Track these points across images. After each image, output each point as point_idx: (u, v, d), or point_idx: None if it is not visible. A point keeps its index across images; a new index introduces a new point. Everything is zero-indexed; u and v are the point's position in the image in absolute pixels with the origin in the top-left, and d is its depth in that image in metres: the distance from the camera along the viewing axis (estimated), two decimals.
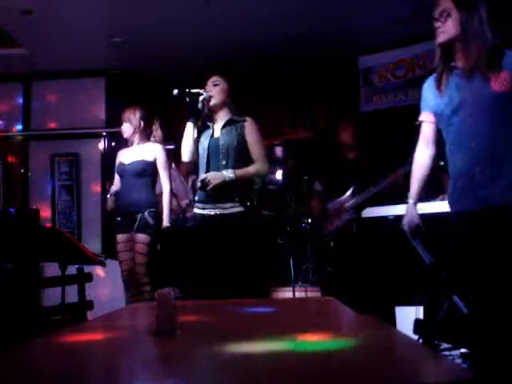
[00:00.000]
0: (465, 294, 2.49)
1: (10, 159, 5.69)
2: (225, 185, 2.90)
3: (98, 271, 4.60)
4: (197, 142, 3.06)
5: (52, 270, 2.72)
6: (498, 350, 1.21)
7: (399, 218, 2.47)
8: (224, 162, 2.95)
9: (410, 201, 2.37)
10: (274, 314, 1.88)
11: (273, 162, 5.34)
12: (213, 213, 2.95)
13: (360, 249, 3.79)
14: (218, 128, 3.05)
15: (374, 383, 0.95)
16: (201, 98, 2.99)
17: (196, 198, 3.12)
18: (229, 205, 2.94)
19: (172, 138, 4.10)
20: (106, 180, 5.22)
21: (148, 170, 3.82)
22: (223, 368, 1.07)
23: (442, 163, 2.38)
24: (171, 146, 4.33)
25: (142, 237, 3.72)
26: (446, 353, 2.50)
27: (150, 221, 3.73)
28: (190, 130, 3.05)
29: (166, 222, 3.72)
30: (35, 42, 4.94)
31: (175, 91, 2.95)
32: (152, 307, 1.47)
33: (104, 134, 5.62)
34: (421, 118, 2.33)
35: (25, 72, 5.60)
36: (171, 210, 3.85)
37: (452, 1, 2.08)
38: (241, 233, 2.94)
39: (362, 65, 5.46)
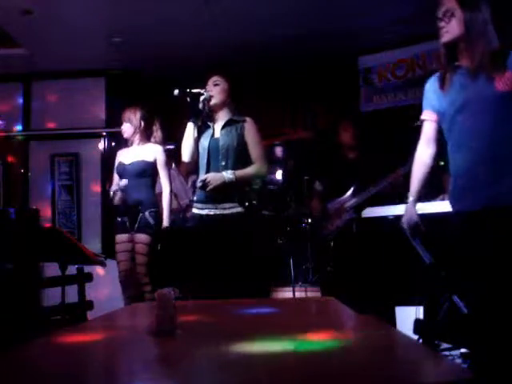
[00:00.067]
0: (465, 294, 2.49)
1: (10, 159, 5.69)
2: (224, 186, 2.90)
3: (98, 271, 4.60)
4: (197, 141, 3.07)
5: (52, 270, 2.72)
6: (497, 349, 1.21)
7: (399, 218, 2.46)
8: (223, 163, 2.96)
9: (410, 199, 2.36)
10: (274, 314, 1.88)
11: (273, 162, 5.34)
12: (212, 213, 2.96)
13: (360, 249, 3.78)
14: (218, 128, 3.05)
15: (373, 383, 0.95)
16: (201, 97, 3.00)
17: (195, 198, 3.13)
18: (228, 205, 2.95)
19: (172, 138, 4.10)
20: (106, 180, 5.22)
21: (148, 171, 3.82)
22: (223, 368, 1.07)
23: (442, 163, 2.38)
24: (171, 146, 4.33)
25: (142, 237, 3.72)
26: (446, 353, 2.50)
27: (151, 221, 3.73)
28: (190, 131, 3.05)
29: (165, 223, 3.73)
30: (35, 42, 4.94)
31: (176, 91, 2.95)
32: (152, 307, 1.47)
33: (104, 134, 5.62)
34: (423, 117, 2.33)
35: (25, 72, 5.60)
36: (171, 211, 3.85)
37: (456, 0, 2.08)
38: (240, 233, 2.94)
39: (362, 65, 5.46)
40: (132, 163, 3.83)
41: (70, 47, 5.03)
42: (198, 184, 2.99)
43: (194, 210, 3.06)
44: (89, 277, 2.40)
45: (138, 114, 3.88)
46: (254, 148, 3.02)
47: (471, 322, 1.61)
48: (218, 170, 2.95)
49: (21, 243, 2.78)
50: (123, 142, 4.08)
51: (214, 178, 2.91)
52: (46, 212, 5.47)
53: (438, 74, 2.23)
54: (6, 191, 5.63)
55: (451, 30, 2.10)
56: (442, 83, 2.18)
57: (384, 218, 3.31)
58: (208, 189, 2.90)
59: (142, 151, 3.86)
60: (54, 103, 5.69)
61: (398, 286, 3.36)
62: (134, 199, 3.76)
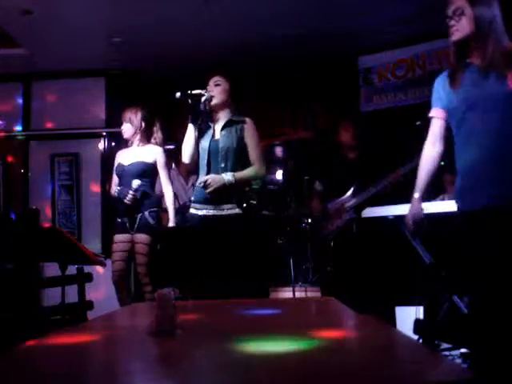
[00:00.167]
0: (465, 294, 2.48)
1: (10, 159, 5.69)
2: (224, 187, 2.92)
3: (98, 271, 4.60)
4: (197, 142, 3.07)
5: (52, 270, 2.72)
6: (497, 350, 1.21)
7: (399, 217, 2.46)
8: (223, 165, 2.98)
9: (416, 195, 2.33)
10: (274, 314, 1.88)
11: (273, 162, 5.35)
12: (210, 214, 2.98)
13: (360, 249, 3.79)
14: (218, 128, 3.07)
15: (373, 383, 0.95)
16: (203, 98, 3.00)
17: (192, 199, 3.14)
18: (226, 206, 2.97)
19: (172, 138, 4.10)
20: (106, 180, 5.22)
21: (147, 172, 3.82)
22: (223, 368, 1.07)
23: (443, 163, 2.37)
24: (171, 146, 4.33)
25: (142, 237, 3.72)
26: (446, 353, 2.50)
27: (151, 221, 3.73)
28: (191, 133, 3.06)
29: (171, 223, 3.73)
30: (35, 42, 4.93)
31: (178, 94, 2.96)
32: (152, 307, 1.47)
33: (104, 134, 5.62)
34: (431, 114, 2.31)
35: (25, 72, 5.59)
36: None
37: None
38: (240, 233, 2.95)
39: (362, 65, 5.45)
40: (131, 164, 3.82)
41: (70, 47, 5.02)
42: (199, 185, 3.01)
43: (192, 211, 3.07)
44: (89, 277, 2.40)
45: (139, 115, 3.88)
46: (253, 150, 3.05)
47: (471, 322, 1.60)
48: (217, 172, 2.97)
49: (21, 243, 2.78)
50: (123, 142, 4.08)
51: (215, 179, 2.93)
52: (46, 212, 5.47)
53: (446, 72, 2.22)
54: (6, 191, 5.63)
55: (461, 28, 2.09)
56: (452, 81, 2.17)
57: (384, 218, 3.31)
58: (208, 190, 2.93)
59: (141, 152, 3.86)
60: (53, 103, 5.68)
61: (398, 286, 3.36)
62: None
